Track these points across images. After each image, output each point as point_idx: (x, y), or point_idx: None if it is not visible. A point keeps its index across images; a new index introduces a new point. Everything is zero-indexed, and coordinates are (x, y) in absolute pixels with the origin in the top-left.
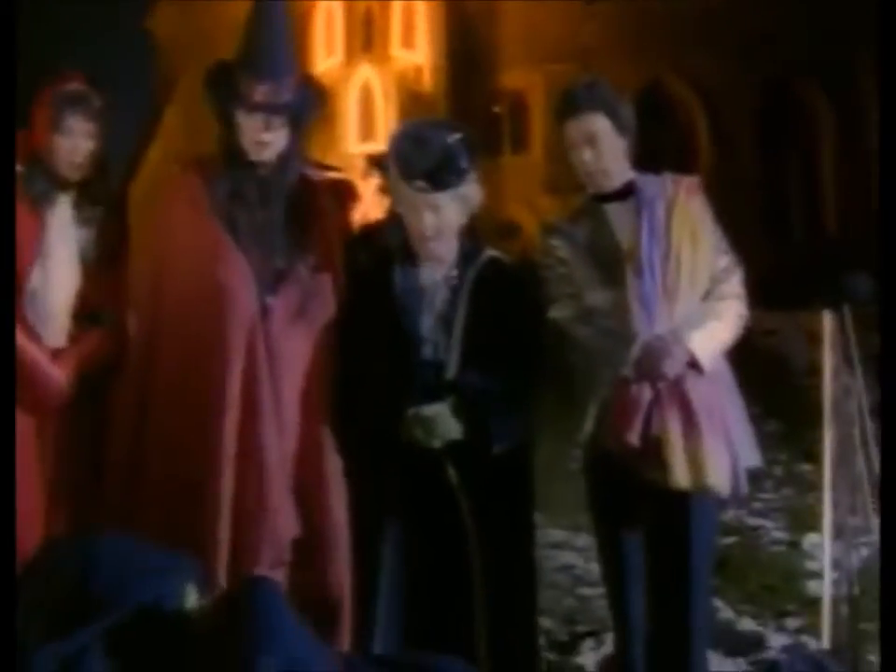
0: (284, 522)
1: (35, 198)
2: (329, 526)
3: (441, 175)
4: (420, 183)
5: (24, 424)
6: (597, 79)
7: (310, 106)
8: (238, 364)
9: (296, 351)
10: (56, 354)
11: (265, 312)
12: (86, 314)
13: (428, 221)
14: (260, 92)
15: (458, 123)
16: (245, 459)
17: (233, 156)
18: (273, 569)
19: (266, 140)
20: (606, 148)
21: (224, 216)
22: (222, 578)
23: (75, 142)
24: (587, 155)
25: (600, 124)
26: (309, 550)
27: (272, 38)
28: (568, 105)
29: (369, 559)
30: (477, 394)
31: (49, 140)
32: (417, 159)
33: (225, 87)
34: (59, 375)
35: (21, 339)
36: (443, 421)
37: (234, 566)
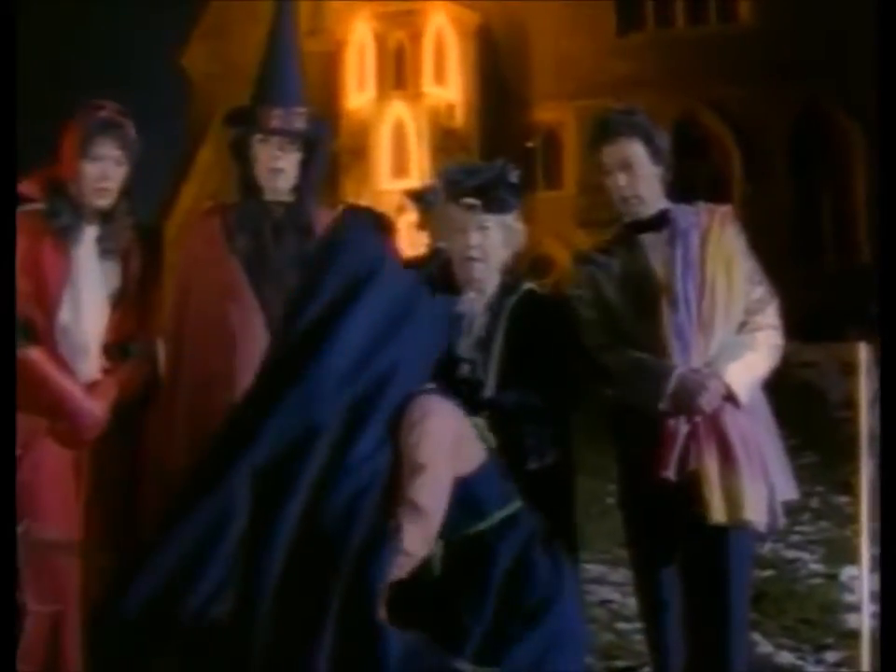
0: None
1: (60, 231)
2: None
3: (491, 193)
4: (470, 200)
5: (62, 456)
6: (633, 107)
7: (322, 139)
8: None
9: None
10: (90, 387)
11: None
12: (116, 345)
13: (475, 241)
14: (274, 117)
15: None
16: None
17: (249, 190)
18: None
19: (280, 167)
20: (641, 174)
21: (241, 254)
22: None
23: (103, 168)
24: (622, 180)
25: (636, 150)
26: None
27: (284, 67)
28: (605, 130)
29: None
30: (512, 410)
31: (76, 167)
32: (468, 178)
33: (242, 122)
34: (94, 408)
35: (55, 374)
36: (480, 435)
37: None
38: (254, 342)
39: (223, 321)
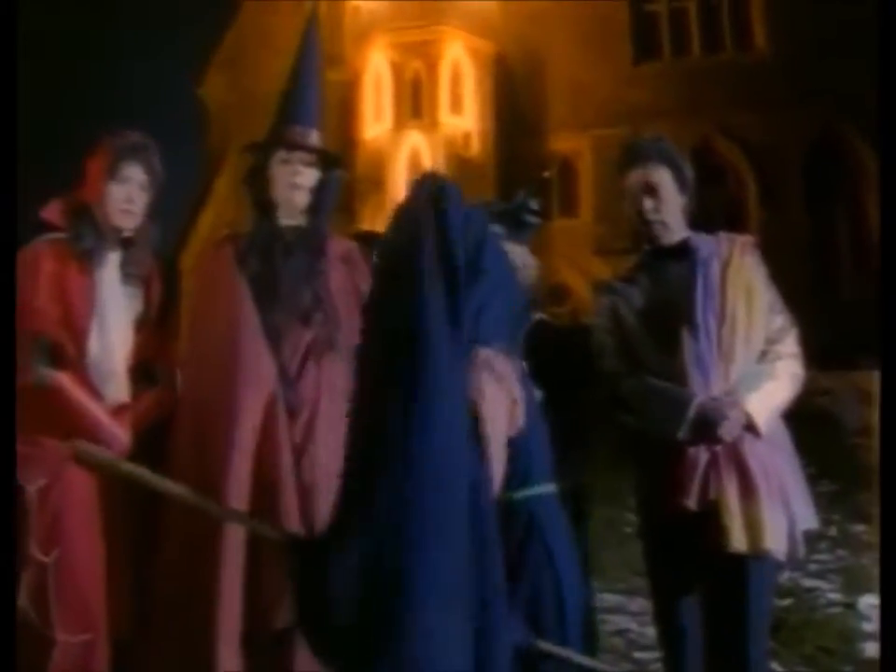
0: None
1: (84, 254)
2: None
3: (512, 220)
4: (494, 228)
5: (88, 483)
6: (662, 136)
7: (338, 161)
8: (248, 424)
9: (336, 389)
10: (117, 411)
11: (285, 376)
12: (142, 370)
13: None
14: (295, 132)
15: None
16: (264, 518)
17: (263, 213)
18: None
19: (299, 182)
20: (666, 200)
21: (251, 277)
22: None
23: (129, 191)
24: (647, 204)
25: (663, 176)
26: None
27: (306, 91)
28: (633, 154)
29: None
30: None
31: (102, 188)
32: (490, 205)
33: (263, 147)
34: (121, 433)
35: (84, 399)
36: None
37: (253, 622)
38: (256, 367)
39: (229, 346)
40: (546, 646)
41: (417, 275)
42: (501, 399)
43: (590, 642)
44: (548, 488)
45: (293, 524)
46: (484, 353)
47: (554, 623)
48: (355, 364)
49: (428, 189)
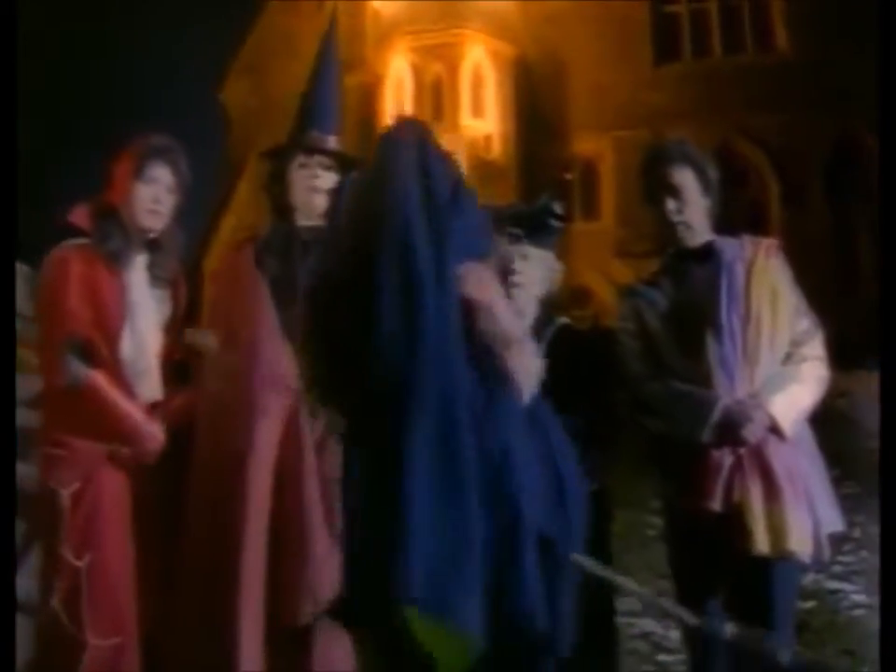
0: (328, 574)
1: (111, 255)
2: None
3: (534, 223)
4: (514, 230)
5: (120, 484)
6: (685, 138)
7: (358, 164)
8: (266, 423)
9: None
10: (151, 409)
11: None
12: (172, 369)
13: (517, 268)
14: (313, 137)
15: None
16: (287, 514)
17: (282, 216)
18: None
19: (317, 185)
20: (690, 201)
21: (270, 275)
22: (258, 631)
23: (156, 191)
24: (671, 204)
25: (688, 177)
26: None
27: (325, 97)
28: (658, 156)
29: None
30: None
31: (129, 189)
32: (513, 208)
33: (282, 152)
34: (156, 431)
35: (119, 398)
36: None
37: (275, 617)
38: (276, 367)
39: (249, 346)
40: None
41: (402, 198)
42: (496, 295)
43: (612, 643)
44: None
45: (316, 519)
46: (466, 265)
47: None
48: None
49: (412, 129)
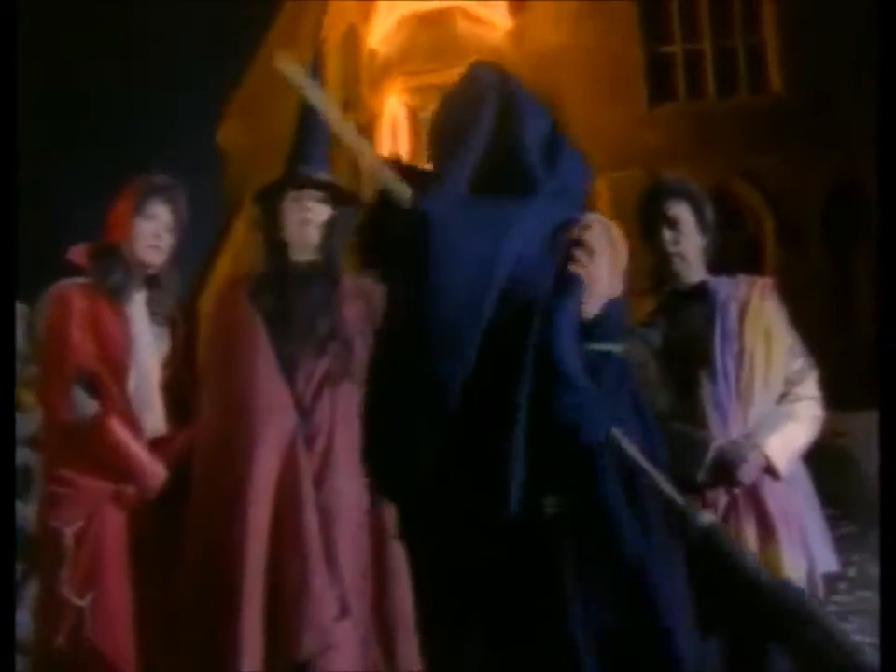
0: (328, 607)
1: (112, 291)
2: (391, 604)
3: None
4: None
5: (121, 522)
6: (684, 179)
7: (349, 198)
8: (267, 456)
9: (352, 417)
10: (155, 444)
11: (301, 405)
12: (175, 405)
13: None
14: (303, 172)
15: None
16: (286, 547)
17: (276, 251)
18: (321, 653)
19: (310, 218)
20: (686, 234)
21: (264, 310)
22: (257, 665)
23: (157, 228)
24: (667, 235)
25: (686, 213)
26: (376, 627)
27: (312, 129)
28: (657, 190)
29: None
30: None
31: (129, 225)
32: None
33: (273, 190)
34: (159, 471)
35: (124, 436)
36: None
37: (275, 651)
38: (273, 400)
39: (246, 380)
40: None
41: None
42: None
43: None
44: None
45: (315, 551)
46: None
47: None
48: None
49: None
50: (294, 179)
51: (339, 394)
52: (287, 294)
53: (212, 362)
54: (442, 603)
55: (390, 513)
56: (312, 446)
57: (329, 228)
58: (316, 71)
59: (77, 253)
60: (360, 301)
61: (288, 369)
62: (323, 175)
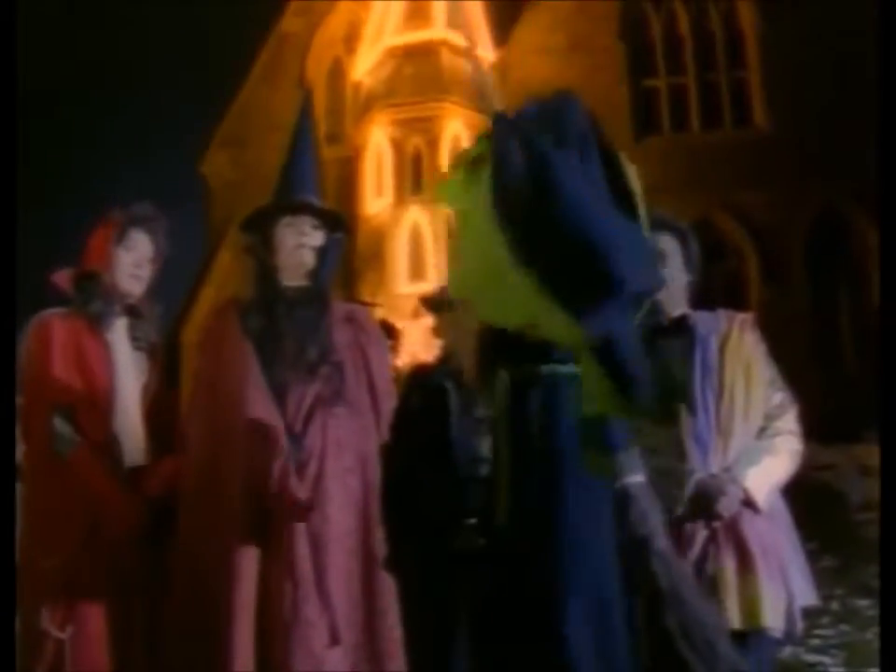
0: (318, 634)
1: (93, 317)
2: (381, 632)
3: None
4: None
5: (102, 555)
6: (673, 216)
7: (342, 225)
8: (256, 484)
9: (343, 442)
10: (136, 474)
11: (291, 430)
12: (157, 436)
13: None
14: (298, 197)
15: None
16: (277, 575)
17: (266, 277)
18: None
19: (304, 243)
20: (672, 267)
21: (254, 335)
22: None
23: (138, 257)
24: None
25: (672, 247)
26: (367, 655)
27: (304, 162)
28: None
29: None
30: None
31: (109, 254)
32: None
33: (267, 212)
34: (133, 510)
35: (101, 471)
36: None
37: None
38: (261, 422)
39: (236, 405)
40: None
41: None
42: None
43: None
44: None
45: (306, 577)
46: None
47: None
48: None
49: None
50: (290, 204)
51: (330, 419)
52: (277, 319)
53: (200, 389)
54: (431, 629)
55: (380, 541)
56: (303, 472)
57: (322, 253)
58: (307, 110)
59: (61, 278)
60: (350, 326)
61: (279, 394)
62: (317, 201)
